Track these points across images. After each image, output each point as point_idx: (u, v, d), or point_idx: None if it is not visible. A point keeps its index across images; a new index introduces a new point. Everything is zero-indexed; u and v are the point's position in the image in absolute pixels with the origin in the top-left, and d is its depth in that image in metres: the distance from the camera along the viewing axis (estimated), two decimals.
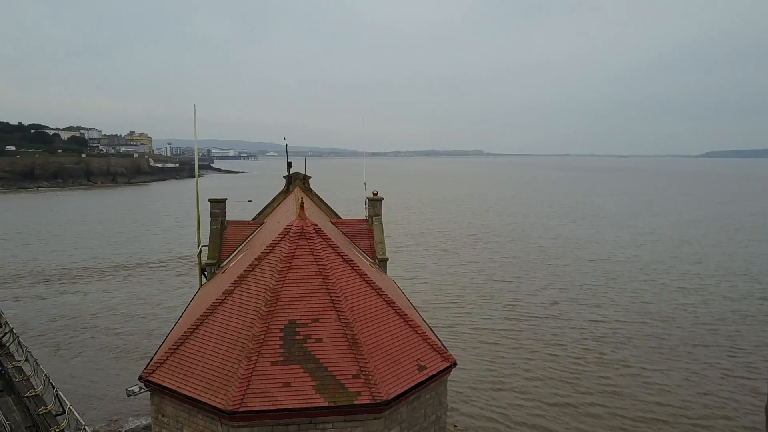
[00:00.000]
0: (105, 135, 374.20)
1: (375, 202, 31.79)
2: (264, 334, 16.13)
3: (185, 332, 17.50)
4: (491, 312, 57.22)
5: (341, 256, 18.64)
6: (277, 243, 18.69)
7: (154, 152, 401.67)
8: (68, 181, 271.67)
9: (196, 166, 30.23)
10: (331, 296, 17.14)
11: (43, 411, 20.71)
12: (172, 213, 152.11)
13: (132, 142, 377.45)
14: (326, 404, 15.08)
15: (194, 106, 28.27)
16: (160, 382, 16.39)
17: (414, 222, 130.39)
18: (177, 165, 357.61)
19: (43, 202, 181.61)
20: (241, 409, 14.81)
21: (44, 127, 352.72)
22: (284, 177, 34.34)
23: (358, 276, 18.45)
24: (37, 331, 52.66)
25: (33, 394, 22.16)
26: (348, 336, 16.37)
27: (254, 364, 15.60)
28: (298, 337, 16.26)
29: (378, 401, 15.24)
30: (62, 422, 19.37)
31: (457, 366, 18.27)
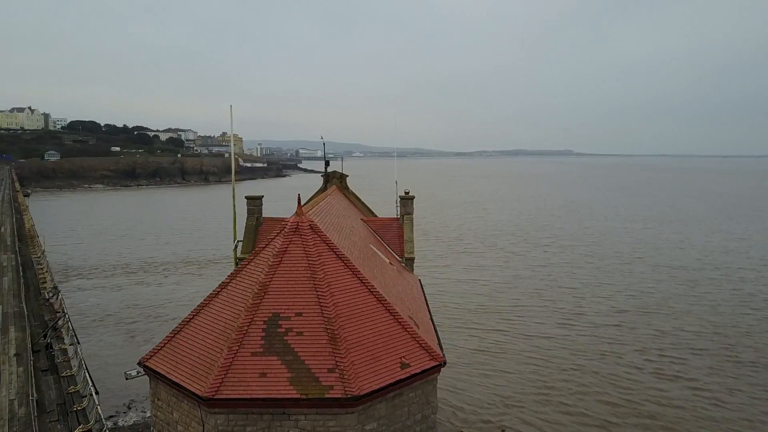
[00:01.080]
0: (200, 136, 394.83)
1: (406, 200, 31.83)
2: (248, 326, 16.66)
3: (183, 321, 18.39)
4: (547, 318, 55.46)
5: (335, 252, 18.85)
6: (273, 238, 19.22)
7: (245, 152, 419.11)
8: (165, 180, 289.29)
9: (233, 167, 31.37)
10: (317, 291, 17.42)
11: (72, 390, 22.41)
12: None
13: (224, 143, 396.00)
14: (298, 396, 15.36)
15: (231, 106, 29.49)
16: (153, 367, 17.32)
17: (488, 223, 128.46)
18: (265, 165, 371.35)
19: (140, 199, 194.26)
20: (216, 396, 15.39)
21: (146, 129, 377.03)
22: (322, 176, 35.11)
23: (350, 272, 18.59)
24: (115, 318, 56.52)
25: (68, 374, 24.03)
26: (328, 330, 16.58)
27: (235, 353, 16.14)
28: (279, 330, 16.66)
29: (349, 396, 15.34)
30: (84, 402, 20.89)
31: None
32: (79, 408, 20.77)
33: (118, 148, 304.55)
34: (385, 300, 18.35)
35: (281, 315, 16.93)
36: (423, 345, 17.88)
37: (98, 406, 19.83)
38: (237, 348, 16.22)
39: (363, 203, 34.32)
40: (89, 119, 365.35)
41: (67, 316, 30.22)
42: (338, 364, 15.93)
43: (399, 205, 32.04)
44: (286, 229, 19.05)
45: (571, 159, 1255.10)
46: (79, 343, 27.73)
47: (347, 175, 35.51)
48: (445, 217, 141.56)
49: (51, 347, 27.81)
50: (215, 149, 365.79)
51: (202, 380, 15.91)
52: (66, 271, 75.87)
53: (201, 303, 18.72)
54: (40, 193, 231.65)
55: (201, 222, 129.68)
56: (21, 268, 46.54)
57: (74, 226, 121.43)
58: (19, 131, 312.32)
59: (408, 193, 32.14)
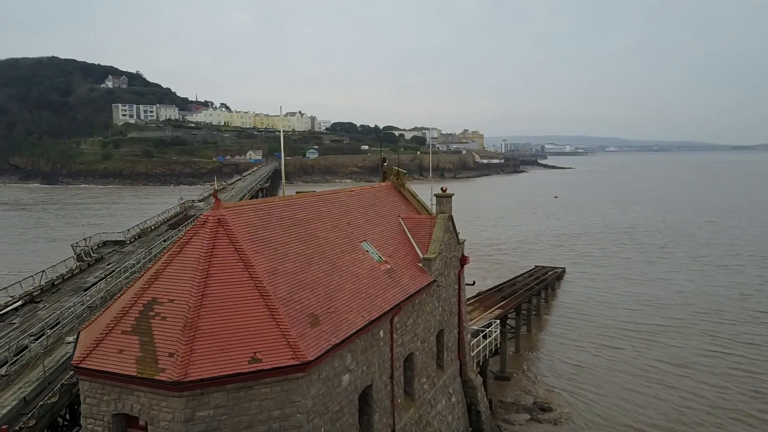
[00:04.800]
0: (442, 133, 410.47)
1: (441, 199, 30.56)
2: (130, 307, 18.49)
3: (118, 297, 21.06)
4: (700, 343, 46.87)
5: (234, 246, 19.54)
6: (190, 229, 20.74)
7: (485, 149, 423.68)
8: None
9: (283, 167, 33.54)
10: (194, 281, 18.45)
11: None
12: (476, 208, 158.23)
13: (464, 140, 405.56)
14: (134, 374, 16.75)
15: (280, 107, 31.41)
16: (81, 336, 20.30)
17: (712, 231, 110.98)
18: (502, 161, 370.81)
19: None
20: (80, 365, 17.61)
21: (394, 128, 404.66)
22: (381, 172, 35.49)
23: (243, 266, 19.12)
24: None
25: None
26: (185, 318, 17.54)
27: (110, 330, 18.13)
28: (150, 313, 18.13)
29: (172, 380, 16.21)
30: None
31: (307, 368, 17.52)
32: None
33: (366, 147, 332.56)
34: (269, 296, 18.53)
35: (158, 300, 18.40)
36: (291, 343, 17.71)
37: None
38: (114, 325, 18.18)
39: (418, 201, 33.79)
40: (348, 121, 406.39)
41: None
42: (179, 349, 16.86)
43: (434, 203, 30.89)
44: (198, 222, 20.45)
45: None
46: None
47: (405, 172, 35.42)
48: (661, 222, 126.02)
49: None
50: (454, 146, 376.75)
51: (84, 350, 18.30)
52: None
53: (133, 284, 21.26)
54: (301, 186, 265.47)
55: None
56: None
57: None
58: (290, 132, 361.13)
59: (445, 190, 30.76)
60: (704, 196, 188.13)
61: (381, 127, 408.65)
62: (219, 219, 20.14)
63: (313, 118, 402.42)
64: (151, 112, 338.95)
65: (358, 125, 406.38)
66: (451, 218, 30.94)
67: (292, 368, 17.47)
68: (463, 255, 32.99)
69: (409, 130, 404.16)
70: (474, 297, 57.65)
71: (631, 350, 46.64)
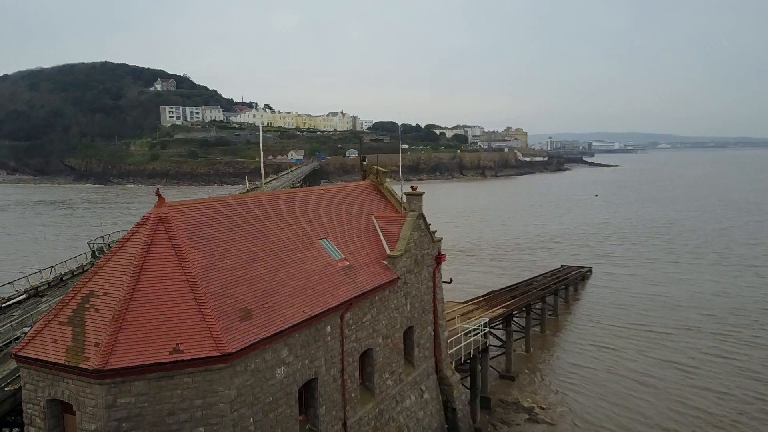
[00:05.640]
0: (484, 131, 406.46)
1: (411, 197, 30.75)
2: (70, 299, 19.57)
3: (70, 290, 22.21)
4: (707, 346, 45.40)
5: (172, 242, 20.33)
6: (134, 227, 21.68)
7: (529, 146, 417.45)
8: (444, 175, 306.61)
9: (262, 168, 34.40)
10: (127, 275, 19.34)
11: None
12: (509, 207, 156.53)
13: (507, 138, 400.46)
14: (62, 362, 17.75)
15: (264, 105, 32.14)
16: (35, 326, 21.51)
17: (753, 232, 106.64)
18: (545, 159, 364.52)
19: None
20: (18, 354, 18.77)
21: (436, 126, 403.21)
22: (362, 171, 35.88)
23: (177, 261, 19.89)
24: None
25: None
26: (114, 310, 18.44)
27: (49, 321, 19.23)
28: (87, 305, 19.11)
29: (92, 368, 17.14)
30: None
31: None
32: None
33: (406, 146, 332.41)
34: (199, 290, 19.22)
35: (95, 293, 19.36)
36: (214, 336, 18.38)
37: None
38: (53, 316, 19.28)
39: (397, 199, 34.01)
40: (389, 120, 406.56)
41: None
42: (104, 340, 17.76)
43: (405, 201, 31.08)
44: (140, 220, 21.38)
45: None
46: None
47: (385, 171, 35.66)
48: (699, 221, 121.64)
49: None
50: (496, 144, 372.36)
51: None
52: None
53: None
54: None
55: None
56: None
57: None
58: (331, 132, 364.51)
59: (415, 189, 30.94)
60: (752, 194, 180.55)
61: (423, 126, 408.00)
62: (160, 217, 21.01)
63: (354, 118, 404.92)
64: (197, 113, 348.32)
65: (399, 124, 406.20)
66: (422, 216, 31.09)
67: (213, 359, 18.13)
68: (439, 253, 33.06)
69: (450, 128, 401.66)
70: (484, 296, 57.43)
71: (637, 353, 45.63)
